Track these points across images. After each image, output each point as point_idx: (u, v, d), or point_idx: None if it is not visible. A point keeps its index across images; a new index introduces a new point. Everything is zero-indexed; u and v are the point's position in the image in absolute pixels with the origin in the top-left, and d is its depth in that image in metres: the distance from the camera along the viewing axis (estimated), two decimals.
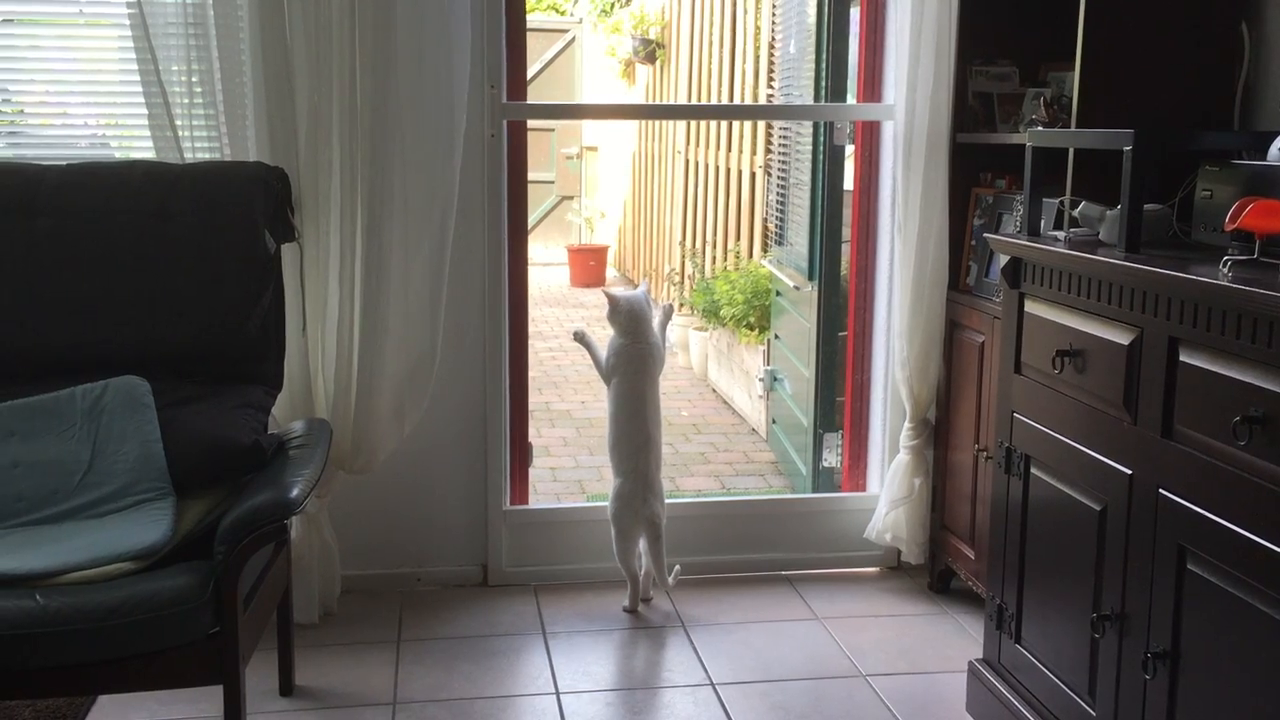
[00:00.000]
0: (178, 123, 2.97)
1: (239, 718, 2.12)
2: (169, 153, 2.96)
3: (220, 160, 2.98)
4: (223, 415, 2.54)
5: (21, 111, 3.28)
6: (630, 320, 3.25)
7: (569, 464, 5.46)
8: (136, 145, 3.20)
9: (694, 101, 8.72)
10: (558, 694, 2.81)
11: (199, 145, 3.01)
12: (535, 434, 3.65)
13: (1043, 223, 2.58)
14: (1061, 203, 2.60)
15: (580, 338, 3.38)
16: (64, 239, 2.67)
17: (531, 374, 3.63)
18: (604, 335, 3.38)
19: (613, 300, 3.27)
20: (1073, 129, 2.69)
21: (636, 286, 3.27)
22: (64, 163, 2.83)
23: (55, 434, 2.45)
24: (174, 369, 2.63)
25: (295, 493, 2.19)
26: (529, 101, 3.41)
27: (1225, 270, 1.88)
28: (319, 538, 3.15)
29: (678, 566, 3.31)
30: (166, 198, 2.71)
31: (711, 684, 2.86)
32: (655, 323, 3.30)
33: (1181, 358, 1.94)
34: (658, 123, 10.39)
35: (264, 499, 2.17)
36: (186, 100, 2.98)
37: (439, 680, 2.87)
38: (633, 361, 3.24)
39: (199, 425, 2.50)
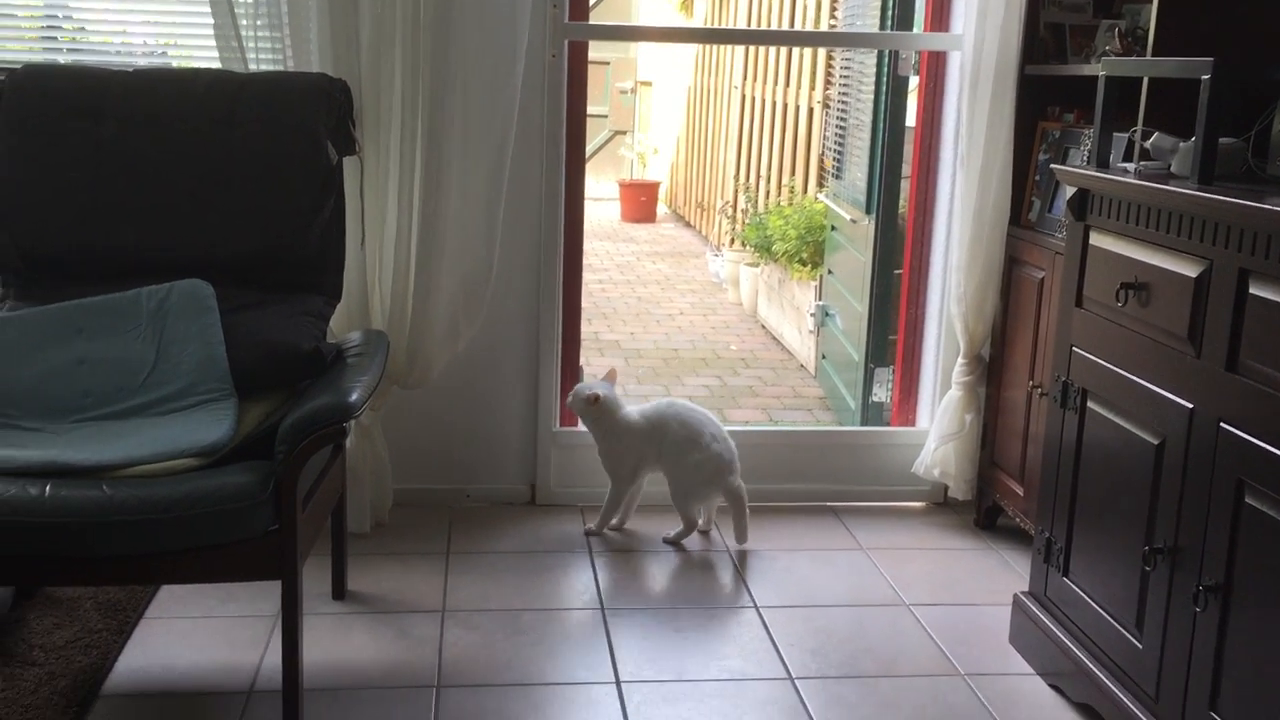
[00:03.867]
0: (243, 34, 2.98)
1: (296, 611, 2.17)
2: (233, 64, 2.98)
3: (284, 71, 2.99)
4: (283, 322, 2.57)
5: (82, 29, 3.30)
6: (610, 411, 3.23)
7: (618, 392, 5.48)
8: (196, 61, 3.22)
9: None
10: (603, 609, 2.85)
11: (263, 57, 3.02)
12: (584, 362, 3.67)
13: (1111, 156, 2.53)
14: (1133, 134, 2.55)
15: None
16: (129, 144, 2.69)
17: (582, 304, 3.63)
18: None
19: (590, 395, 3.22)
20: (1148, 58, 2.63)
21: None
22: (131, 68, 2.85)
23: (121, 333, 2.50)
24: (236, 275, 2.66)
25: (355, 397, 2.22)
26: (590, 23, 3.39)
27: None
28: (372, 450, 3.20)
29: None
30: (231, 106, 2.72)
31: (755, 607, 2.89)
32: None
33: (1251, 290, 1.91)
34: (714, 58, 10.27)
35: (324, 402, 2.20)
36: (251, 11, 2.98)
37: (486, 591, 2.92)
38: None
39: (260, 330, 2.54)
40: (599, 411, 3.21)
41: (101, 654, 2.52)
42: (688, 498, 3.21)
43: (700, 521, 3.30)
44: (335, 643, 2.64)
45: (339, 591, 2.84)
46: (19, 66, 2.78)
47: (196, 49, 3.23)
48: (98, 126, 2.69)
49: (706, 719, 2.39)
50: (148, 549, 2.09)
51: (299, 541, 2.17)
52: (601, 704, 2.44)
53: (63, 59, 3.23)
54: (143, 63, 3.26)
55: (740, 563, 3.14)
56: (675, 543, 3.24)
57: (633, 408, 3.27)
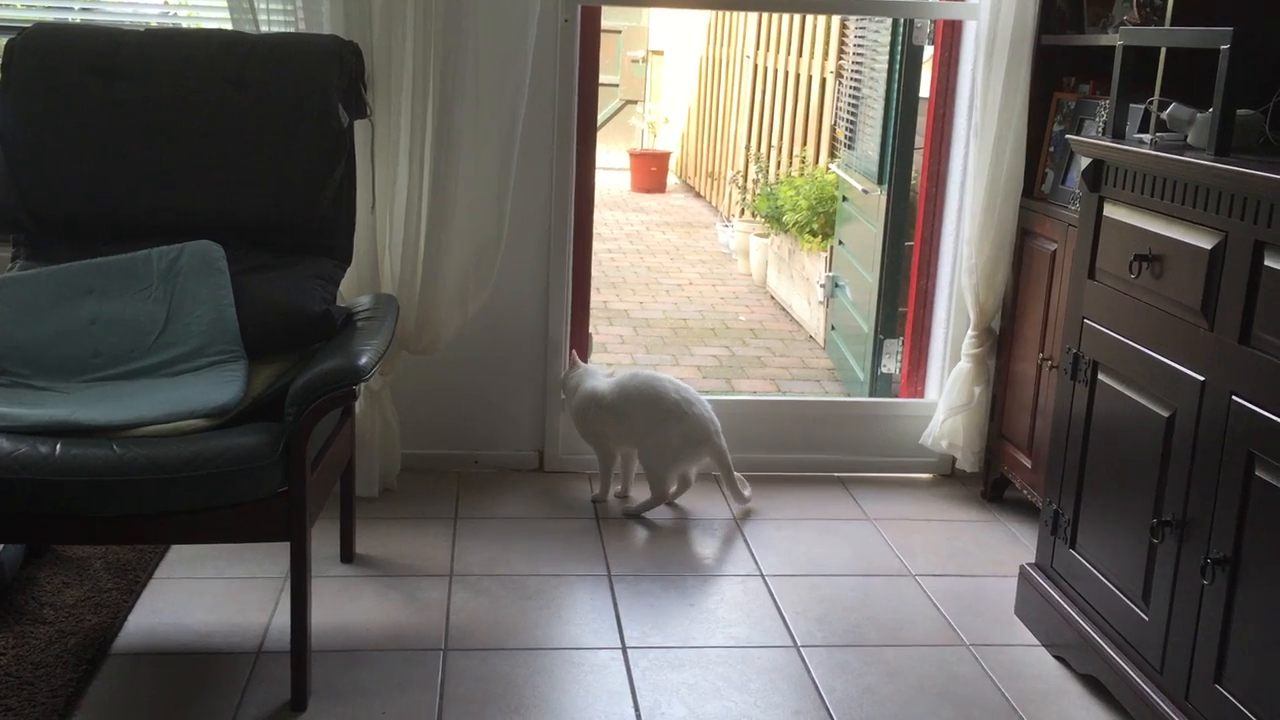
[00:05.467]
0: None
1: (304, 572, 2.18)
2: (245, 25, 2.97)
3: (296, 32, 2.97)
4: (294, 284, 2.57)
5: None
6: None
7: (625, 360, 5.50)
8: (208, 21, 3.20)
9: None
10: (610, 576, 2.86)
11: (274, 19, 3.01)
12: (594, 330, 3.67)
13: (1127, 127, 2.52)
14: (1150, 104, 2.53)
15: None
16: (142, 103, 2.68)
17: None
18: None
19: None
20: (1167, 28, 2.61)
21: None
22: (143, 28, 2.84)
23: (133, 293, 2.50)
24: (246, 237, 2.66)
25: (364, 360, 2.22)
26: None
27: None
28: (381, 415, 3.21)
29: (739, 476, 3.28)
30: (243, 66, 2.71)
31: (761, 575, 2.90)
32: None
33: (1266, 262, 1.90)
34: (726, 27, 10.21)
35: (334, 364, 2.20)
36: None
37: (494, 556, 2.93)
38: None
39: (271, 292, 2.54)
40: (575, 372, 3.29)
41: (111, 613, 2.53)
42: (669, 467, 3.18)
43: (620, 487, 3.32)
44: (343, 605, 2.65)
45: (347, 554, 2.85)
46: (30, 25, 2.77)
47: (208, 9, 3.21)
48: (109, 86, 2.68)
49: (712, 685, 2.40)
50: (157, 509, 2.10)
51: (308, 503, 2.17)
52: (608, 669, 2.45)
53: (74, 18, 3.22)
54: (154, 22, 3.24)
55: (746, 531, 3.15)
56: (637, 515, 3.21)
57: (605, 381, 3.26)
